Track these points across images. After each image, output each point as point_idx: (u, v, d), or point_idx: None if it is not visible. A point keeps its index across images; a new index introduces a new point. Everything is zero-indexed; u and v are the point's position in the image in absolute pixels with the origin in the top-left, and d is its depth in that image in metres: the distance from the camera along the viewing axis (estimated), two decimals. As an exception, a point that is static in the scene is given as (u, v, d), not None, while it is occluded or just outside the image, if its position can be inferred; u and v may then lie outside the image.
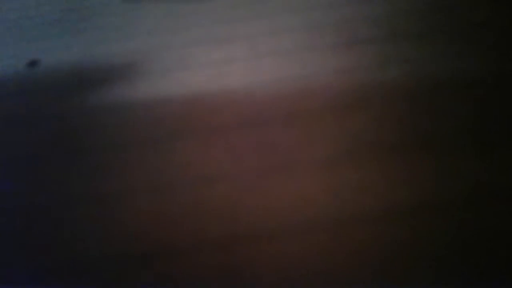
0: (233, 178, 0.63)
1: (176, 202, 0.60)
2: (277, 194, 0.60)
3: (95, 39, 1.09)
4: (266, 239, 0.54)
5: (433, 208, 0.54)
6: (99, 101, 0.84)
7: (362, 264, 0.49)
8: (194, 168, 0.66)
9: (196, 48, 0.98)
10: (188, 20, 1.13)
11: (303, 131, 0.70)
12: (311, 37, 0.96)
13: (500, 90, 0.73)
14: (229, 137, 0.71)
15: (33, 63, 1.01)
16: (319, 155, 0.65)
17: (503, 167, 0.58)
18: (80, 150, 0.72)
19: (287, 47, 0.94)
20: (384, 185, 0.58)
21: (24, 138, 0.77)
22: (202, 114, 0.77)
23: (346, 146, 0.65)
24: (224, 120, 0.75)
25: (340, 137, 0.67)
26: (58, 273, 0.53)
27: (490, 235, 0.50)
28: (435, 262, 0.49)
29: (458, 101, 0.72)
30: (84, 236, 0.57)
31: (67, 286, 0.52)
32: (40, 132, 0.78)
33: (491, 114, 0.68)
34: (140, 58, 0.97)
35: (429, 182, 0.58)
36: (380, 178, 0.60)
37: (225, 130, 0.73)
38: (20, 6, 1.36)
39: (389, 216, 0.54)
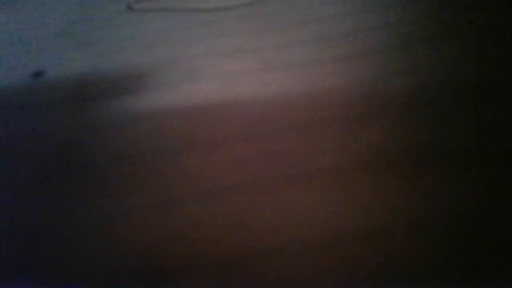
0: (243, 191, 0.61)
1: (184, 217, 0.59)
2: (287, 207, 0.58)
3: (101, 50, 1.08)
4: (277, 254, 0.52)
5: (444, 220, 0.53)
6: (105, 113, 0.83)
7: (377, 278, 0.47)
8: (203, 180, 0.64)
9: (205, 60, 0.97)
10: (195, 32, 1.12)
11: (313, 142, 0.68)
12: (320, 49, 0.95)
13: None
14: (239, 148, 0.70)
15: (37, 74, 1.00)
16: (329, 166, 0.63)
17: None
18: (86, 164, 0.71)
19: (296, 59, 0.92)
20: (397, 197, 0.57)
21: (28, 151, 0.76)
22: (211, 125, 0.75)
23: (357, 157, 0.64)
24: (234, 132, 0.73)
25: (351, 148, 0.66)
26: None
27: (498, 247, 0.49)
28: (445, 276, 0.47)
29: (473, 108, 0.70)
30: (93, 254, 0.56)
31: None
32: (45, 146, 0.77)
33: (507, 120, 0.67)
34: (148, 70, 0.96)
35: (443, 194, 0.56)
36: (392, 190, 0.58)
37: (234, 141, 0.71)
38: (25, 17, 1.36)
39: (403, 229, 0.52)
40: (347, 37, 0.98)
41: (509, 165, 0.60)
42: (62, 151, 0.74)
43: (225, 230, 0.56)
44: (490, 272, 0.47)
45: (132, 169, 0.68)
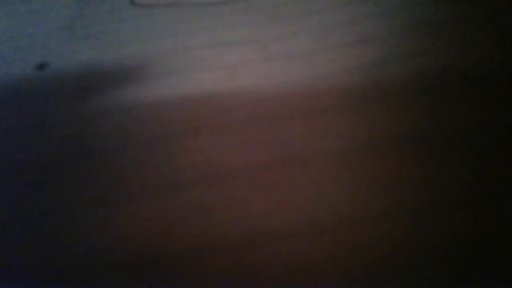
0: (246, 176, 0.61)
1: (188, 203, 0.59)
2: (290, 192, 0.58)
3: (105, 43, 1.08)
4: (280, 239, 0.52)
5: (446, 206, 0.52)
6: (108, 103, 0.83)
7: (378, 265, 0.47)
8: (205, 166, 0.64)
9: (206, 51, 0.97)
10: (198, 25, 1.12)
11: (317, 129, 0.68)
12: (323, 38, 0.94)
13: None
14: (241, 135, 0.70)
15: (41, 67, 1.00)
16: (332, 152, 0.63)
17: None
18: (89, 153, 0.71)
19: (299, 48, 0.92)
20: (398, 182, 0.56)
21: (33, 144, 0.76)
22: (214, 114, 0.75)
23: (360, 143, 0.64)
24: (236, 119, 0.73)
25: (354, 134, 0.65)
26: (64, 280, 0.51)
27: (492, 235, 0.48)
28: (446, 261, 0.46)
29: (473, 94, 0.70)
30: (93, 242, 0.55)
31: None
32: (49, 137, 0.77)
33: (509, 106, 0.66)
34: (151, 61, 0.96)
35: (445, 181, 0.56)
36: (394, 176, 0.58)
37: (237, 128, 0.71)
38: (29, 10, 1.36)
39: (404, 215, 0.52)
40: (350, 25, 0.98)
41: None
42: (65, 142, 0.74)
43: (228, 216, 0.56)
44: (490, 262, 0.47)
45: (135, 157, 0.68)
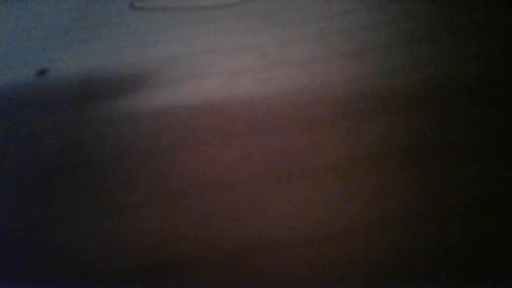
0: (245, 186, 0.62)
1: (189, 212, 0.59)
2: (291, 201, 0.58)
3: (105, 48, 1.09)
4: (281, 248, 0.52)
5: (445, 214, 0.53)
6: (108, 111, 0.83)
7: (379, 273, 0.48)
8: (206, 176, 0.64)
9: (207, 58, 0.97)
10: (198, 30, 1.12)
11: (316, 138, 0.68)
12: (323, 46, 0.95)
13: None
14: (241, 144, 0.70)
15: (42, 72, 1.00)
16: (332, 162, 0.63)
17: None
18: (89, 162, 0.71)
19: (299, 56, 0.93)
20: (399, 192, 0.57)
21: (34, 152, 0.76)
22: (214, 122, 0.76)
23: (359, 153, 0.64)
24: (236, 128, 0.73)
25: (353, 144, 0.66)
26: (65, 286, 0.52)
27: (500, 241, 0.49)
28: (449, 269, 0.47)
29: (472, 105, 0.70)
30: (95, 251, 0.56)
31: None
32: (49, 144, 0.77)
33: (507, 116, 0.67)
34: (151, 67, 0.96)
35: (444, 189, 0.56)
36: (394, 185, 0.58)
37: (237, 138, 0.71)
38: (29, 16, 1.36)
39: (404, 222, 0.52)
40: (349, 34, 0.98)
41: (510, 161, 0.60)
42: (65, 149, 0.74)
43: (226, 226, 0.56)
44: (491, 268, 0.47)
45: (135, 166, 0.68)
